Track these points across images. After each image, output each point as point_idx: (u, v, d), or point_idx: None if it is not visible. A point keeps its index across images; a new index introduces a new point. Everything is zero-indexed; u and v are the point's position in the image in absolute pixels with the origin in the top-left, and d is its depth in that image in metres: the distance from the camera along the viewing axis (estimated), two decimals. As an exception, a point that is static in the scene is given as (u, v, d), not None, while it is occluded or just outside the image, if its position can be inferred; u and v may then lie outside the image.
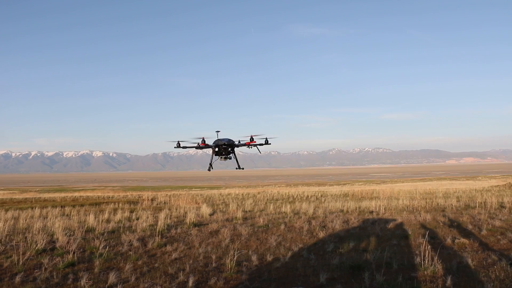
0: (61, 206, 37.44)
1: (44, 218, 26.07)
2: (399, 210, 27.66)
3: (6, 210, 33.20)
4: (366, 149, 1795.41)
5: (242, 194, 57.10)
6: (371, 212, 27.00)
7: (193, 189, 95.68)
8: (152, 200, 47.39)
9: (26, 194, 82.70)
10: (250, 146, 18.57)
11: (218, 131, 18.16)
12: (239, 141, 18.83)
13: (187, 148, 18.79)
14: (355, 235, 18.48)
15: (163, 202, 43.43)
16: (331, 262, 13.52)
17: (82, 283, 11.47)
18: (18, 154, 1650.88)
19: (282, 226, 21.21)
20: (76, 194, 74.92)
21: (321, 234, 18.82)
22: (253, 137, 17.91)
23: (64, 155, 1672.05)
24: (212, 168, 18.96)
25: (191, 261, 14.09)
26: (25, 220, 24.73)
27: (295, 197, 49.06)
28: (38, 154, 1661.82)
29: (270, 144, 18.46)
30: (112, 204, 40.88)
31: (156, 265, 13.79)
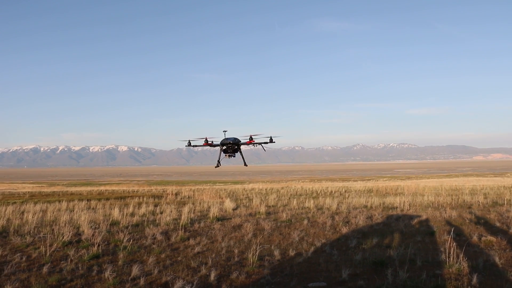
0: (87, 200, 38.05)
1: (71, 211, 26.53)
2: (424, 206, 27.31)
3: (35, 203, 33.93)
4: (391, 144, 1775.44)
5: (266, 189, 57.11)
6: (395, 208, 26.72)
7: (217, 184, 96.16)
8: (176, 194, 47.77)
9: (53, 188, 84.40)
10: (255, 145, 19.53)
11: (225, 131, 19.22)
12: (250, 138, 19.74)
13: (196, 146, 19.84)
14: (378, 231, 18.32)
15: (187, 197, 43.75)
16: (354, 258, 13.43)
17: (106, 275, 11.65)
18: (46, 148, 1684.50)
19: (305, 221, 21.17)
20: (102, 188, 76.11)
21: (344, 230, 18.72)
22: (252, 136, 18.90)
23: (90, 150, 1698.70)
24: (220, 164, 20.04)
25: (213, 255, 14.18)
26: (53, 213, 25.23)
27: (318, 192, 48.87)
28: (66, 149, 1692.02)
29: (274, 142, 19.45)
30: (136, 198, 41.37)
31: (179, 258, 13.91)
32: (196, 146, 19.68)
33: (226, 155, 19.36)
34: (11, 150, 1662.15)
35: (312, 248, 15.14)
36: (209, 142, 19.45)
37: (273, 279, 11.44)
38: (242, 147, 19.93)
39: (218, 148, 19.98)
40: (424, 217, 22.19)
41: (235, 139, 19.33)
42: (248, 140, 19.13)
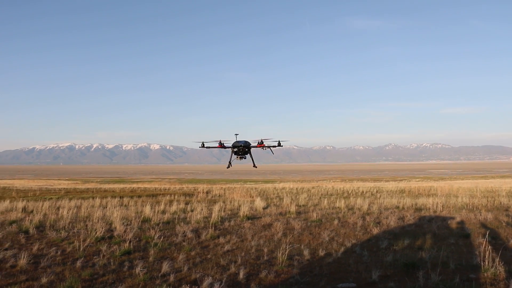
0: (120, 197, 38.68)
1: (104, 208, 27.07)
2: (458, 208, 26.74)
3: (70, 199, 34.75)
4: (424, 144, 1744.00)
5: (297, 189, 56.92)
6: (428, 209, 26.25)
7: (248, 183, 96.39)
8: (207, 192, 48.13)
9: (88, 185, 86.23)
10: (264, 148, 20.03)
11: (236, 134, 20.08)
12: (261, 141, 20.32)
13: (210, 148, 20.50)
14: (410, 233, 18.04)
15: (217, 195, 44.02)
16: (385, 259, 13.28)
17: (137, 271, 11.87)
18: (81, 146, 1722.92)
19: (336, 221, 21.04)
20: (134, 185, 77.37)
21: (375, 231, 18.52)
22: (263, 140, 19.57)
23: (123, 148, 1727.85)
24: (231, 165, 20.66)
25: (243, 254, 14.25)
26: (87, 209, 25.80)
27: (349, 192, 48.41)
28: (99, 147, 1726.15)
29: (282, 146, 20.05)
30: (168, 196, 41.88)
31: (209, 256, 14.04)
32: (209, 147, 20.29)
33: (237, 157, 20.01)
34: (48, 147, 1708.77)
35: (342, 249, 15.04)
36: (222, 144, 20.21)
37: (302, 278, 11.41)
38: (252, 149, 20.53)
39: (230, 149, 20.59)
40: (458, 219, 21.73)
41: (246, 142, 19.95)
42: (258, 144, 19.73)
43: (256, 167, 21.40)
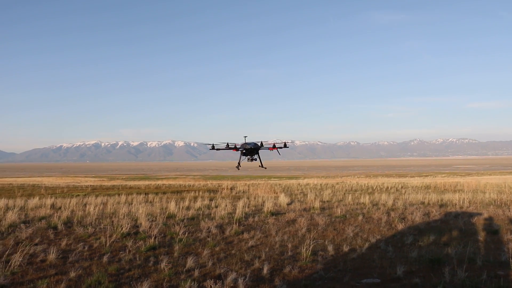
0: (145, 193, 39.16)
1: (129, 204, 27.42)
2: (485, 204, 26.29)
3: (96, 196, 35.32)
4: (450, 139, 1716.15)
5: (321, 185, 56.77)
6: (454, 205, 25.87)
7: (272, 179, 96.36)
8: (231, 189, 48.33)
9: (113, 182, 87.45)
10: (270, 150, 21.43)
11: (245, 136, 21.36)
12: (261, 143, 21.63)
13: (219, 150, 21.89)
14: (436, 228, 17.84)
15: (242, 191, 44.17)
16: (409, 255, 13.16)
17: (162, 266, 12.04)
18: (107, 144, 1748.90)
19: (360, 217, 20.93)
20: (159, 182, 78.14)
21: (400, 226, 18.36)
22: (275, 144, 20.99)
23: (148, 145, 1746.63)
24: (240, 166, 22.00)
25: (267, 249, 14.30)
26: (113, 206, 26.19)
27: (374, 188, 48.05)
28: (125, 144, 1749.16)
29: (288, 147, 21.40)
30: (192, 192, 42.22)
31: (233, 251, 14.13)
32: (219, 149, 21.55)
33: (248, 158, 21.44)
34: (75, 145, 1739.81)
35: (367, 244, 14.96)
36: (230, 146, 21.55)
37: (326, 274, 11.40)
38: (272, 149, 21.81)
39: (239, 151, 21.93)
40: (485, 215, 21.37)
41: (255, 144, 21.23)
42: (271, 146, 21.21)
43: (265, 167, 22.62)
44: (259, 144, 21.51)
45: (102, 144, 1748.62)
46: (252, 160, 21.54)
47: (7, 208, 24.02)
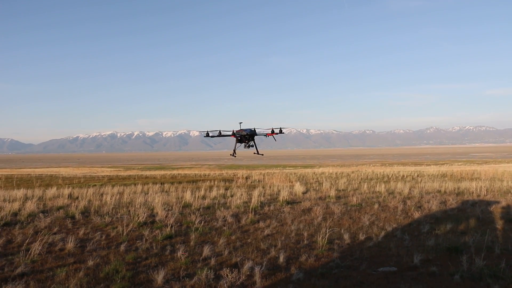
0: (161, 183, 39.38)
1: (145, 194, 27.60)
2: (503, 192, 25.98)
3: (113, 186, 35.61)
4: (467, 127, 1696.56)
5: (336, 173, 56.58)
6: (471, 193, 25.63)
7: (287, 168, 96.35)
8: (246, 178, 48.36)
9: (129, 172, 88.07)
10: (267, 136, 20.36)
11: (241, 122, 20.30)
12: (272, 130, 20.51)
13: (214, 137, 20.84)
14: (452, 217, 17.69)
15: (257, 180, 44.19)
16: (426, 243, 13.08)
17: (178, 255, 12.14)
18: (122, 134, 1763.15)
19: (376, 206, 20.84)
20: (175, 172, 78.56)
21: (416, 215, 18.24)
22: (274, 129, 19.85)
23: (163, 135, 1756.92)
24: (235, 154, 21.08)
25: (283, 238, 14.33)
26: (129, 195, 26.40)
27: (390, 176, 47.77)
28: (140, 134, 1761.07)
29: (284, 133, 20.37)
30: (208, 181, 42.37)
31: (249, 240, 14.18)
32: (213, 136, 20.63)
33: (245, 146, 20.33)
34: (91, 136, 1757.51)
35: (383, 233, 14.90)
36: (223, 134, 20.63)
37: (343, 262, 11.39)
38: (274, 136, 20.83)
39: (235, 138, 21.01)
40: (503, 203, 21.12)
41: (251, 130, 20.26)
42: (269, 132, 20.06)
43: (262, 154, 21.43)
44: (254, 131, 20.69)
45: (118, 135, 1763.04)
46: (248, 147, 20.62)
47: (26, 198, 24.40)
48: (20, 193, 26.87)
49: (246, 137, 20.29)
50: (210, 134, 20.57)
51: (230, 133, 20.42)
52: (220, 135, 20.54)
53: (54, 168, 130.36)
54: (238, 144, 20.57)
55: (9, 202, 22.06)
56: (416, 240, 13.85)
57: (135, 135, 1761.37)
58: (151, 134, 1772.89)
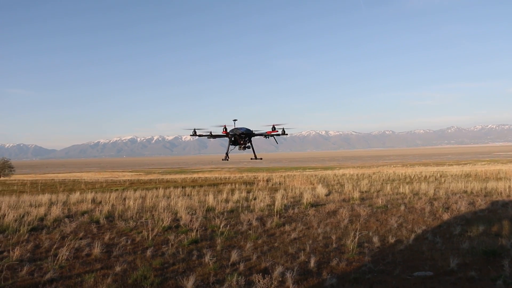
0: (182, 187, 39.40)
1: (167, 198, 27.55)
2: (533, 191, 25.29)
3: (135, 190, 35.75)
4: (489, 126, 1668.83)
5: (357, 175, 56.05)
6: (500, 193, 24.99)
7: (307, 170, 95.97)
8: (267, 181, 48.22)
9: (150, 176, 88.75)
10: (267, 136, 17.77)
11: (235, 120, 17.69)
12: (253, 131, 17.87)
13: (202, 136, 18.12)
14: (483, 218, 17.19)
15: (278, 183, 43.99)
16: (461, 246, 12.67)
17: (206, 260, 11.94)
18: (142, 139, 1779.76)
19: (402, 207, 20.42)
20: (195, 175, 78.77)
21: (445, 216, 17.80)
22: (275, 126, 16.98)
23: (182, 139, 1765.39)
24: (228, 157, 18.37)
25: (310, 241, 14.05)
26: (151, 199, 26.37)
27: (412, 177, 47.15)
28: (160, 139, 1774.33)
29: (287, 134, 17.61)
30: (229, 185, 42.24)
31: (276, 244, 13.94)
32: (201, 135, 17.92)
33: (240, 147, 17.69)
34: (112, 141, 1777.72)
35: (413, 235, 14.52)
36: (216, 134, 17.86)
37: (375, 267, 11.07)
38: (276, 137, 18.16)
39: (228, 139, 18.41)
40: (535, 203, 20.52)
41: (247, 129, 17.55)
42: (270, 130, 17.33)
43: (260, 158, 18.95)
44: (251, 130, 17.89)
45: (138, 139, 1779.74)
46: (244, 148, 17.91)
47: (51, 203, 24.56)
48: (45, 198, 27.11)
49: (241, 137, 17.65)
50: (198, 133, 17.86)
51: (222, 131, 17.66)
52: (211, 136, 17.87)
53: (76, 173, 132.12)
54: (232, 146, 18.05)
55: (35, 207, 22.24)
56: (449, 242, 13.44)
57: (154, 139, 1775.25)
58: (170, 138, 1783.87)
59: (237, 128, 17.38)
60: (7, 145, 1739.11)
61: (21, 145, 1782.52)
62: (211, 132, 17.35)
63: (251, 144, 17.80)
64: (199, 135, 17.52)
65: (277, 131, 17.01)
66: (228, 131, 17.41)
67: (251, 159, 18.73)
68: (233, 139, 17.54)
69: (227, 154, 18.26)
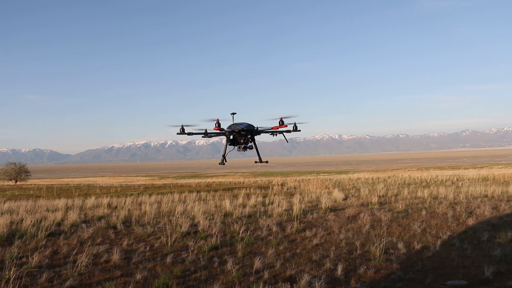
0: (197, 191, 39.10)
1: (183, 202, 27.27)
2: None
3: (150, 195, 35.55)
4: (505, 128, 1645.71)
5: (372, 179, 55.40)
6: (523, 197, 24.38)
7: (321, 174, 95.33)
8: (281, 185, 47.75)
9: (164, 180, 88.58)
10: (274, 134, 13.76)
11: (234, 113, 13.50)
12: (257, 127, 13.80)
13: (192, 135, 13.79)
14: (510, 224, 16.67)
15: (293, 187, 43.52)
16: (492, 254, 12.20)
17: (228, 267, 11.61)
18: (156, 143, 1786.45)
19: (423, 212, 19.93)
20: (209, 180, 78.48)
21: (470, 221, 17.30)
22: (283, 119, 12.98)
23: (196, 143, 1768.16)
24: (225, 161, 14.13)
25: (333, 248, 13.67)
26: (167, 204, 26.11)
27: (428, 181, 46.43)
28: (173, 143, 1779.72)
29: (299, 131, 13.32)
30: (244, 189, 41.87)
31: (298, 251, 13.58)
32: (191, 134, 13.46)
33: (239, 148, 13.60)
34: (126, 145, 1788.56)
35: (439, 241, 14.08)
36: (211, 131, 13.58)
37: (405, 275, 10.66)
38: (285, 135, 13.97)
39: (225, 137, 14.10)
40: None
41: (249, 125, 13.41)
42: (277, 124, 13.19)
43: (266, 161, 14.79)
44: (254, 126, 13.71)
45: (152, 144, 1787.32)
46: (245, 148, 13.66)
47: (67, 208, 24.42)
48: (61, 202, 26.99)
49: (242, 134, 13.52)
50: (187, 131, 13.45)
51: (214, 127, 13.27)
52: (205, 134, 13.55)
53: (91, 177, 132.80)
54: (231, 147, 13.89)
55: (51, 212, 22.10)
56: (478, 249, 12.98)
57: (168, 144, 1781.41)
58: (184, 142, 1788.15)
59: (236, 123, 13.33)
60: (23, 150, 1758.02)
61: (37, 150, 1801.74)
62: (206, 130, 13.32)
63: (255, 143, 13.88)
64: (189, 133, 13.35)
65: (286, 125, 13.06)
66: (223, 127, 13.37)
67: (255, 162, 14.70)
68: (231, 137, 13.57)
69: (224, 156, 14.08)
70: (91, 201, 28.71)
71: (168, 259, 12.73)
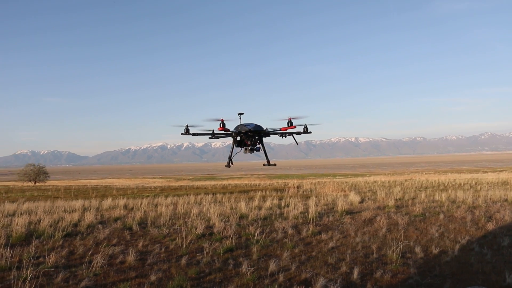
0: (213, 193, 39.13)
1: (199, 204, 27.30)
2: None
3: (166, 197, 35.67)
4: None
5: (389, 182, 54.87)
6: (545, 202, 23.89)
7: (337, 177, 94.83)
8: (297, 187, 47.58)
9: (180, 182, 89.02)
10: (284, 136, 13.12)
11: (241, 114, 12.85)
12: (266, 128, 13.07)
13: (197, 135, 13.09)
14: (532, 229, 16.34)
15: (308, 190, 43.33)
16: (513, 259, 11.95)
17: (243, 269, 11.55)
18: (172, 145, 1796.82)
19: (441, 216, 19.64)
20: (225, 182, 78.62)
21: (490, 226, 16.98)
22: (292, 120, 12.32)
23: (212, 146, 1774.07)
24: (232, 163, 13.51)
25: (349, 251, 13.52)
26: (183, 206, 26.15)
27: (446, 184, 45.82)
28: (190, 145, 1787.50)
29: (310, 132, 12.73)
30: (259, 191, 41.80)
31: (313, 254, 13.46)
32: (196, 134, 12.85)
33: (245, 150, 12.94)
34: (142, 148, 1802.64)
35: (457, 246, 13.84)
36: (218, 132, 12.86)
37: (423, 279, 10.49)
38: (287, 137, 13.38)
39: (232, 139, 13.58)
40: None
41: (256, 126, 12.72)
42: (285, 126, 12.53)
43: (274, 164, 13.97)
44: (262, 127, 13.06)
45: (168, 146, 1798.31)
46: (252, 150, 12.94)
47: (84, 209, 24.60)
48: (78, 203, 27.24)
49: (249, 135, 12.87)
50: (192, 132, 12.79)
51: (218, 128, 12.63)
52: (212, 135, 12.87)
53: (108, 179, 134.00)
54: (238, 148, 13.25)
55: (69, 212, 22.29)
56: (499, 255, 12.72)
57: (184, 146, 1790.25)
58: (200, 145, 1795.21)
59: (243, 124, 12.70)
60: (42, 151, 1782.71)
61: (55, 151, 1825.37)
62: (213, 131, 12.66)
63: (263, 145, 13.14)
64: (194, 134, 12.72)
65: (295, 126, 12.45)
66: (228, 128, 12.74)
67: (264, 165, 14.13)
68: (238, 138, 12.96)
69: (230, 158, 13.49)
70: (107, 202, 28.89)
71: (183, 261, 12.70)
